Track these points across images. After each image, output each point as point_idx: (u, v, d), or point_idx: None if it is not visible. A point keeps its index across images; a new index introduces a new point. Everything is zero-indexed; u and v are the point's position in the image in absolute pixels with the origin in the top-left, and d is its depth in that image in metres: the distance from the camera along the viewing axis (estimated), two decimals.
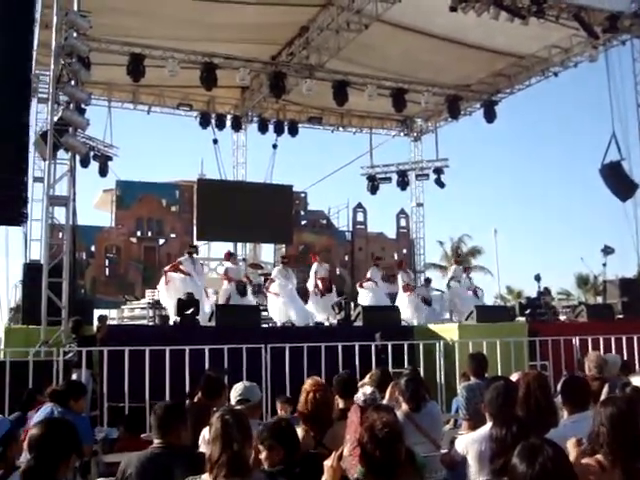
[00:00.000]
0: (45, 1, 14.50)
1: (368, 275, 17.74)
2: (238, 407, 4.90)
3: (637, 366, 11.19)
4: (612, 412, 3.62)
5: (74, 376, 9.58)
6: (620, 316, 15.71)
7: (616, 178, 18.35)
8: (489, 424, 4.47)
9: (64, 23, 12.31)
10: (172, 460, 4.01)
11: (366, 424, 3.32)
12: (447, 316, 17.93)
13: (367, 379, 7.09)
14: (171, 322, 13.99)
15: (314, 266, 16.74)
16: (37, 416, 5.96)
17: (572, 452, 3.51)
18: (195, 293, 13.80)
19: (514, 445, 3.19)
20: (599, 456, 3.56)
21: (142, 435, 7.06)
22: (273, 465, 3.89)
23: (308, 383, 4.94)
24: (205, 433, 4.36)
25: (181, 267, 14.66)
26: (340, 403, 5.82)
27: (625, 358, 10.40)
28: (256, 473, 3.55)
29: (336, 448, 3.61)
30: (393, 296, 17.53)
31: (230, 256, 16.42)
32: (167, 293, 14.55)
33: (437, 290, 19.58)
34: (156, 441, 4.18)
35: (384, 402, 5.75)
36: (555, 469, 2.65)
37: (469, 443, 4.61)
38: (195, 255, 15.44)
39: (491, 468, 3.68)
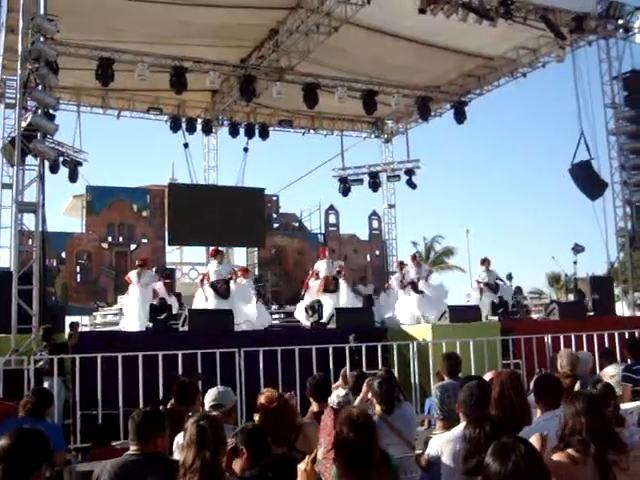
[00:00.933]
0: (10, 5, 14.36)
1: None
2: (213, 413, 4.87)
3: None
4: (584, 404, 3.77)
5: (46, 384, 9.45)
6: (591, 313, 15.87)
7: (586, 177, 18.57)
8: (463, 424, 4.49)
9: (31, 27, 12.15)
10: (147, 468, 3.97)
11: (343, 416, 3.31)
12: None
13: (340, 381, 7.10)
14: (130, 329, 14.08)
15: (317, 264, 16.58)
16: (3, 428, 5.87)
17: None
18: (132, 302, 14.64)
19: (487, 444, 3.21)
20: (570, 450, 3.64)
21: (114, 443, 7.00)
22: (243, 470, 3.87)
23: (262, 398, 4.77)
24: (179, 439, 4.32)
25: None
26: (314, 406, 5.81)
27: (596, 355, 10.51)
28: (229, 479, 3.53)
29: (309, 451, 3.59)
30: (367, 298, 17.49)
31: (217, 253, 15.57)
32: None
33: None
34: (132, 448, 4.13)
35: (357, 402, 5.76)
36: (528, 467, 2.67)
37: (443, 443, 4.62)
38: (144, 268, 15.29)
39: (464, 468, 3.69)
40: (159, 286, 15.36)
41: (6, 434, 3.28)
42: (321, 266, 16.39)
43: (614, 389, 6.06)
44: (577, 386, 6.78)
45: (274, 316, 20.21)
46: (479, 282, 17.08)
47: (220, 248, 16.64)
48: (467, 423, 4.02)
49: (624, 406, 5.92)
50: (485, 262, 17.48)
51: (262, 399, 4.70)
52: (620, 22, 18.10)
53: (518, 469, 2.65)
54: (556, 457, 3.66)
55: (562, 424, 3.83)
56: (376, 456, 3.21)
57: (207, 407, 5.06)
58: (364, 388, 5.90)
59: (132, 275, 15.14)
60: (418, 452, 5.30)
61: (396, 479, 3.73)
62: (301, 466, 3.36)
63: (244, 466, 3.89)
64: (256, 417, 7.17)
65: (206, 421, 3.52)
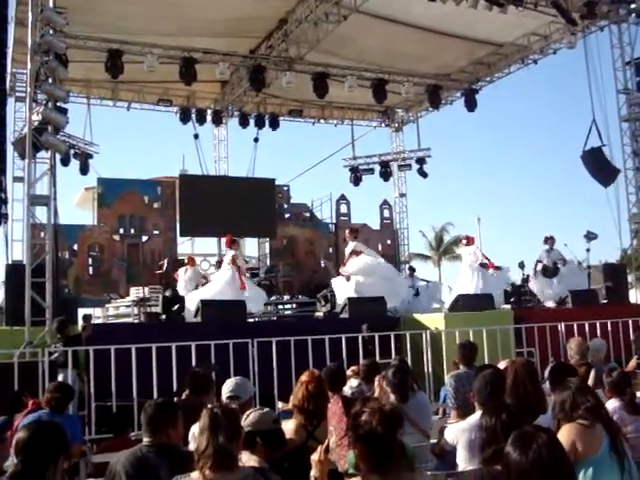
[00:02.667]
0: None
1: None
2: (231, 405, 4.88)
3: (622, 351, 11.28)
4: (579, 386, 4.12)
5: (60, 376, 9.50)
6: (604, 301, 15.79)
7: (598, 164, 18.44)
8: (478, 413, 4.48)
9: (40, 20, 12.17)
10: (159, 459, 3.98)
11: (373, 407, 3.27)
12: (435, 306, 17.74)
13: (349, 372, 7.11)
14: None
15: (349, 245, 16.11)
16: (25, 421, 5.90)
17: None
18: None
19: (504, 433, 3.20)
20: (579, 420, 3.86)
21: (132, 434, 7.03)
22: (260, 462, 3.87)
23: (304, 374, 4.94)
24: (195, 429, 4.33)
25: None
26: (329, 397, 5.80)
27: (610, 343, 10.48)
28: (243, 468, 3.53)
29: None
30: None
31: (233, 243, 15.90)
32: None
33: (423, 280, 19.55)
34: (145, 439, 4.14)
35: (375, 395, 5.76)
36: (549, 455, 2.65)
37: (459, 432, 4.62)
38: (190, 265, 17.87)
39: (482, 457, 3.69)
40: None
41: (24, 427, 3.30)
42: (360, 246, 15.97)
43: (629, 377, 6.04)
44: (592, 374, 6.77)
45: (286, 306, 20.26)
46: (540, 262, 16.42)
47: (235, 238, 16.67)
48: (483, 412, 4.02)
49: None
50: (549, 240, 16.64)
51: (303, 376, 4.82)
52: (632, 6, 17.91)
53: (540, 458, 2.64)
54: (567, 428, 3.85)
55: (559, 406, 4.02)
56: (397, 449, 3.20)
57: (224, 398, 5.06)
58: (377, 383, 5.89)
59: (180, 272, 17.46)
60: (433, 441, 5.30)
61: (412, 469, 3.72)
62: (314, 457, 3.35)
63: (260, 457, 3.89)
64: (279, 404, 7.28)
65: (220, 410, 3.53)
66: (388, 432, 3.12)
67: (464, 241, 17.23)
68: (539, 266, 16.49)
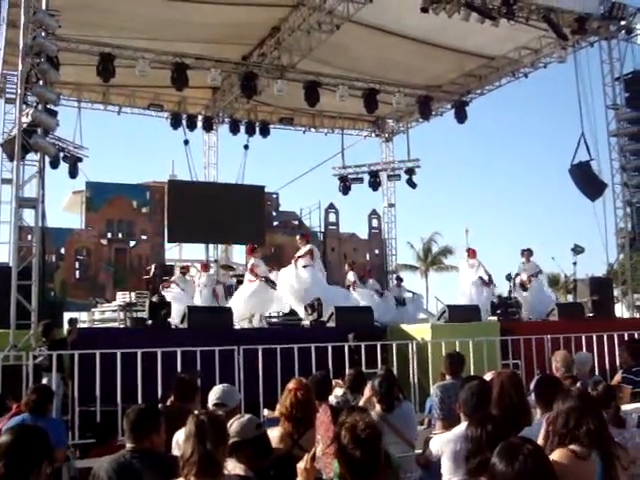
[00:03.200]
0: None
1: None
2: (217, 412, 4.85)
3: (607, 364, 11.31)
4: (584, 402, 3.81)
5: (44, 380, 9.43)
6: (590, 314, 15.85)
7: (585, 178, 18.56)
8: (464, 424, 4.48)
9: (32, 22, 12.12)
10: (143, 464, 3.96)
11: (347, 425, 3.27)
12: (422, 316, 17.83)
13: (333, 382, 7.11)
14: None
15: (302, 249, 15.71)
16: (7, 425, 5.85)
17: None
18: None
19: (490, 444, 3.20)
20: (573, 446, 3.61)
21: (120, 438, 6.99)
22: (245, 470, 3.86)
23: (292, 382, 4.91)
24: (179, 437, 4.31)
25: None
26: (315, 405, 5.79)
27: (596, 356, 10.52)
28: (229, 477, 3.51)
29: (311, 449, 3.58)
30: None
31: (253, 250, 15.86)
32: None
33: (409, 291, 19.62)
34: (128, 445, 4.12)
35: (361, 404, 5.76)
36: (535, 467, 2.66)
37: (444, 443, 4.62)
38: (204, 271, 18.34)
39: (467, 467, 3.68)
40: (219, 289, 17.32)
41: (7, 430, 3.27)
42: (315, 250, 15.46)
43: (614, 390, 6.05)
44: (577, 387, 6.77)
45: (273, 314, 20.22)
46: (518, 275, 16.53)
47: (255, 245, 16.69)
48: (469, 423, 4.01)
49: (624, 408, 5.92)
50: (525, 253, 16.67)
51: (290, 383, 4.79)
52: (622, 23, 18.11)
53: (526, 469, 2.64)
54: (558, 454, 3.62)
55: (562, 420, 3.76)
56: (381, 463, 3.19)
57: (210, 405, 5.02)
58: (367, 391, 5.89)
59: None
60: (418, 452, 5.29)
61: (397, 479, 3.72)
62: (300, 465, 3.34)
63: (245, 466, 3.87)
64: (265, 412, 7.25)
65: (206, 416, 3.51)
66: (364, 451, 3.12)
67: (466, 253, 17.38)
68: (518, 279, 16.65)
